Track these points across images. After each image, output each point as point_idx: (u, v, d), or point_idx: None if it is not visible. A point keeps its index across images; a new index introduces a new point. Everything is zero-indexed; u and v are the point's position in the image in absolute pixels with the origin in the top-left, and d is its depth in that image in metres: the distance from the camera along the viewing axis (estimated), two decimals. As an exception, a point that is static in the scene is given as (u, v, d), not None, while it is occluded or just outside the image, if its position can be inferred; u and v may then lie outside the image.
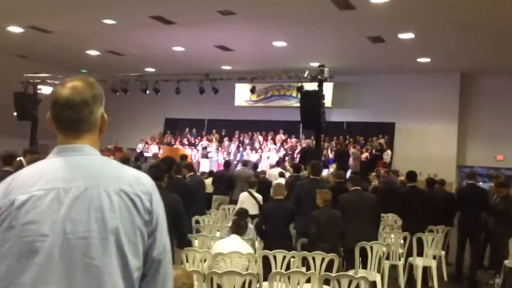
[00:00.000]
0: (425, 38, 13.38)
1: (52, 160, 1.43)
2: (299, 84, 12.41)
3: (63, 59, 18.12)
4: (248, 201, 7.19)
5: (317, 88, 11.75)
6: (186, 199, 5.16)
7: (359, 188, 6.20)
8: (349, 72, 18.07)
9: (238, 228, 4.73)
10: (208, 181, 10.13)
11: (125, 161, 5.75)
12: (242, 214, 5.38)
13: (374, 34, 13.35)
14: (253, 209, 6.58)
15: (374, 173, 11.76)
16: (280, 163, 13.22)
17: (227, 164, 10.48)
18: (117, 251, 1.36)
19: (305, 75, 11.99)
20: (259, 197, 7.40)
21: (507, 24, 11.72)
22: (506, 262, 6.59)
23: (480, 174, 23.46)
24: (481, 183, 21.71)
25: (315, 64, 13.58)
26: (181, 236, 4.22)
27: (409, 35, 13.18)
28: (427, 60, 15.73)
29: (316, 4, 11.18)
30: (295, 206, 6.51)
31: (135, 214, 1.40)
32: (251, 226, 5.56)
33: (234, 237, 4.71)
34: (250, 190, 7.52)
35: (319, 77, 11.80)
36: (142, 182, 1.46)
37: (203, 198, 6.69)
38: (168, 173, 5.25)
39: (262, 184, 8.94)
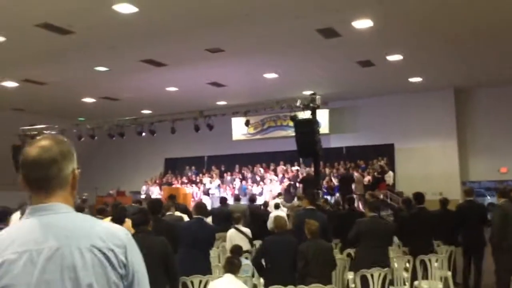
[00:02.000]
0: (414, 58, 13.50)
1: (25, 222, 1.44)
2: (293, 114, 12.43)
3: (59, 109, 18.34)
4: (237, 237, 7.04)
5: (310, 116, 11.75)
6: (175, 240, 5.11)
7: (376, 214, 6.16)
8: (344, 97, 18.18)
9: (232, 266, 4.62)
10: (209, 219, 10.03)
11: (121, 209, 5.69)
12: (236, 251, 5.27)
13: (362, 59, 13.48)
14: (244, 245, 6.47)
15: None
16: (280, 195, 13.15)
17: (224, 200, 10.41)
18: None
19: (298, 104, 12.03)
20: (247, 231, 7.29)
21: (493, 37, 11.83)
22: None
23: (488, 188, 23.22)
24: (489, 198, 21.50)
25: (308, 93, 13.66)
26: (172, 279, 4.13)
27: (398, 57, 13.29)
28: (419, 79, 15.81)
29: (302, 34, 11.35)
30: (296, 237, 6.41)
31: (109, 269, 1.40)
32: (247, 262, 5.43)
33: (229, 276, 4.59)
34: (236, 226, 7.38)
35: (311, 105, 11.81)
36: (116, 236, 1.46)
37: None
38: (156, 216, 5.21)
39: (259, 217, 8.87)
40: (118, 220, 4.57)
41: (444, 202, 8.16)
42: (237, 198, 12.09)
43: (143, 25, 10.39)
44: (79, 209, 6.17)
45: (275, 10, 9.86)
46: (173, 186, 18.63)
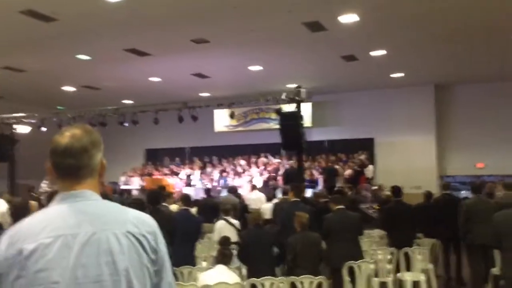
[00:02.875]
0: (397, 53, 13.67)
1: (56, 208, 1.47)
2: (278, 107, 12.50)
3: (39, 97, 17.98)
4: (226, 228, 7.09)
5: (295, 109, 11.83)
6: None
7: (342, 206, 6.22)
8: (326, 91, 18.30)
9: (224, 257, 4.68)
10: (194, 210, 10.03)
11: (104, 197, 5.66)
12: (225, 242, 5.31)
13: (347, 53, 13.58)
14: (233, 237, 6.53)
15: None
16: (255, 188, 13.21)
17: (209, 191, 10.43)
18: None
19: (283, 97, 12.09)
20: (236, 223, 7.34)
21: (476, 34, 12.05)
22: (493, 270, 6.62)
23: (463, 183, 23.82)
24: (464, 192, 22.09)
25: (292, 86, 13.70)
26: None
27: (381, 52, 13.44)
28: (401, 74, 16.04)
29: (288, 27, 11.36)
30: (279, 229, 6.49)
31: (142, 254, 1.46)
32: (235, 253, 5.49)
33: (220, 267, 4.64)
34: (225, 217, 7.42)
35: (296, 98, 11.89)
36: (146, 223, 1.53)
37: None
38: (155, 207, 5.23)
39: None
40: None
41: (428, 195, 8.37)
42: (230, 190, 11.99)
43: (128, 14, 10.23)
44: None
45: (262, 2, 9.85)
46: (154, 177, 18.54)
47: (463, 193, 22.00)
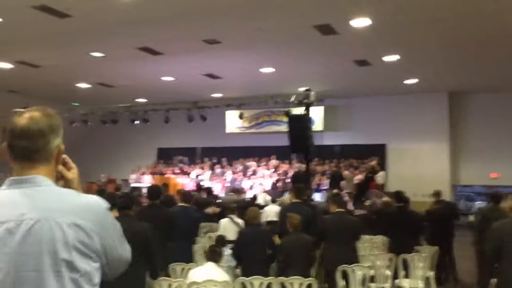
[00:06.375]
0: (410, 59, 13.51)
1: (4, 193, 1.42)
2: (286, 109, 12.48)
3: (53, 93, 18.23)
4: (229, 227, 7.12)
5: (304, 112, 11.79)
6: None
7: (342, 210, 6.14)
8: (339, 95, 18.21)
9: (214, 255, 4.66)
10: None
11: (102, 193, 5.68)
12: (220, 241, 5.30)
13: (359, 58, 13.48)
14: (235, 235, 6.51)
15: None
16: (272, 190, 13.20)
17: (210, 191, 10.45)
18: (71, 282, 1.36)
19: (292, 100, 12.05)
20: (241, 222, 7.35)
21: (491, 43, 11.85)
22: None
23: (479, 193, 23.47)
24: (478, 202, 21.67)
25: (304, 89, 13.64)
26: (152, 266, 4.15)
27: (394, 57, 13.30)
28: (414, 81, 15.85)
29: (299, 30, 11.32)
30: (280, 230, 6.45)
31: (87, 243, 1.40)
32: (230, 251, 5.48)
33: (210, 265, 4.63)
34: (230, 215, 7.45)
35: (305, 101, 11.85)
36: (93, 209, 1.46)
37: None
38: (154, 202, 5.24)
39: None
40: None
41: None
42: (231, 191, 12.13)
43: (141, 12, 10.32)
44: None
45: (274, 4, 9.84)
46: (165, 175, 18.65)
47: (478, 204, 21.68)
